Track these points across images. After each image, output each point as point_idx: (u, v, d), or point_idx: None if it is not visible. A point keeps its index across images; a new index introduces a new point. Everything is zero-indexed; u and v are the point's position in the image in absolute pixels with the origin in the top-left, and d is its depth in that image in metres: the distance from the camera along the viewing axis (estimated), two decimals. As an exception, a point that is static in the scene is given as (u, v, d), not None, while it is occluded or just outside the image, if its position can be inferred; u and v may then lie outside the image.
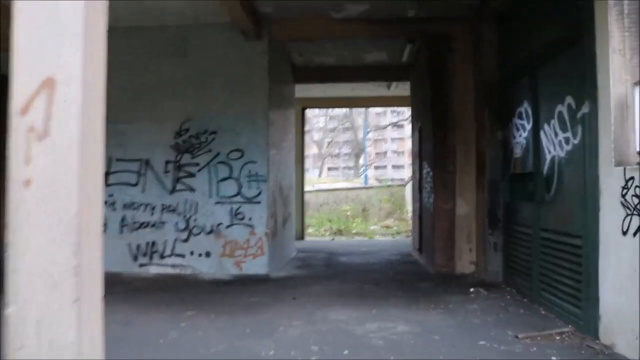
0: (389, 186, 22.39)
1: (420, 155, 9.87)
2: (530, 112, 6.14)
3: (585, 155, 4.64)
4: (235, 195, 8.26)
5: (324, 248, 12.34)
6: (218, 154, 8.29)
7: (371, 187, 23.78)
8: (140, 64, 8.45)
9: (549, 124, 5.54)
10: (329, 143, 53.15)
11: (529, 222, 6.13)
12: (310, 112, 57.65)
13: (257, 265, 8.18)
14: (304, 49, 10.27)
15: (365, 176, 29.86)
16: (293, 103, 11.48)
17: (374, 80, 11.70)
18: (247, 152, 8.25)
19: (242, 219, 8.24)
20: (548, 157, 5.58)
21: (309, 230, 17.45)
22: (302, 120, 14.89)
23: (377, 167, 63.39)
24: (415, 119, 10.82)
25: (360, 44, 9.87)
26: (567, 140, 5.08)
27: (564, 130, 5.14)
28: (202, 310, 5.75)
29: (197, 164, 8.33)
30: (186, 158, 8.36)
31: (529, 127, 6.21)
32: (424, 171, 9.41)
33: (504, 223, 7.17)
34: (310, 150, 58.96)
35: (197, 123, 8.35)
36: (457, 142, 8.11)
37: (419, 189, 9.98)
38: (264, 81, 8.30)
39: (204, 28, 8.39)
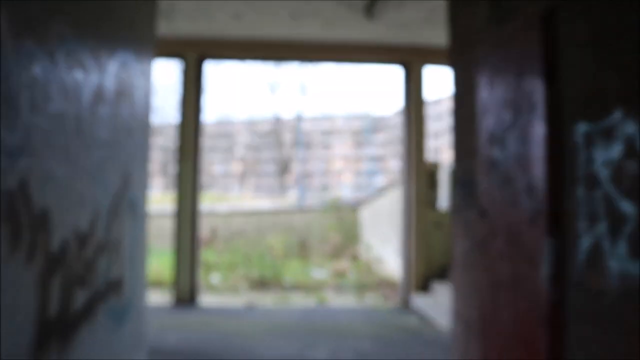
0: (336, 209, 15.47)
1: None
2: None
3: None
4: None
5: (224, 347, 5.20)
6: None
7: (309, 211, 16.76)
8: None
9: None
10: (252, 160, 46.74)
11: None
12: (232, 128, 50.31)
13: None
14: None
15: (301, 194, 22.18)
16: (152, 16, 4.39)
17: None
18: None
19: None
20: None
21: (213, 280, 10.25)
22: (196, 77, 7.78)
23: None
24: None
25: None
26: None
27: None
28: None
29: None
30: None
31: None
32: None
33: None
34: (234, 166, 52.02)
35: None
36: None
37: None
38: None
39: None
